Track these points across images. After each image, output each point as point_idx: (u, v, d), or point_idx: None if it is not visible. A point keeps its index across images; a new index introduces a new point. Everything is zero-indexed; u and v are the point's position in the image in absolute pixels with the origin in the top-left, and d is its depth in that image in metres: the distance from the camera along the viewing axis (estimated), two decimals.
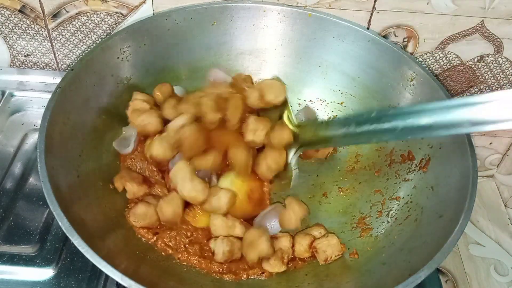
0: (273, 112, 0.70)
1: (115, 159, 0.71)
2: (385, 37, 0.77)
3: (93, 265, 0.51)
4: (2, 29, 0.80)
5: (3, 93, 0.82)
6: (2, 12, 0.78)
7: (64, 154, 0.62)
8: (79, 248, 0.51)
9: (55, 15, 0.78)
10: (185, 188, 0.62)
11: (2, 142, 0.77)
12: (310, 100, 0.81)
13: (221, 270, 0.63)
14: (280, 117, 0.69)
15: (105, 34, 0.80)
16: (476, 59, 0.79)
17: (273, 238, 0.65)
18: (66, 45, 0.82)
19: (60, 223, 0.52)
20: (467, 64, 0.80)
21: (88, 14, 0.78)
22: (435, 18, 0.74)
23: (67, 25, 0.79)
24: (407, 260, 0.59)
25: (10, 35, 0.81)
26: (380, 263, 0.62)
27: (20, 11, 0.78)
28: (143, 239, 0.64)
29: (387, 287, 0.54)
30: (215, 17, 0.76)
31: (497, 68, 0.80)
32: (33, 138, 0.78)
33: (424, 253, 0.57)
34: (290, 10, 0.76)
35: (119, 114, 0.73)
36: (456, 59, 0.79)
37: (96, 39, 0.81)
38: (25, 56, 0.84)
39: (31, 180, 0.72)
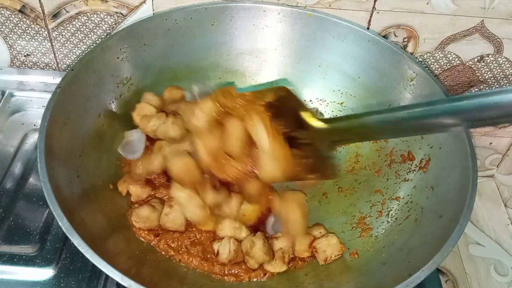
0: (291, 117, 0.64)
1: (115, 159, 0.71)
2: (385, 37, 0.77)
3: (93, 265, 0.51)
4: (2, 29, 0.80)
5: (3, 93, 0.82)
6: (2, 12, 0.78)
7: (64, 154, 0.62)
8: (79, 248, 0.51)
9: (55, 15, 0.78)
10: (186, 211, 0.63)
11: (2, 142, 0.77)
12: (310, 100, 0.81)
13: (222, 271, 0.63)
14: (300, 119, 0.63)
15: (105, 34, 0.80)
16: (476, 59, 0.79)
17: (273, 238, 0.65)
18: (66, 45, 0.82)
19: (60, 223, 0.52)
20: (467, 64, 0.80)
21: (88, 14, 0.78)
22: (435, 18, 0.74)
23: (67, 25, 0.79)
24: (407, 260, 0.59)
25: (10, 35, 0.81)
26: (380, 263, 0.62)
27: (20, 11, 0.78)
28: (144, 240, 0.64)
29: (387, 287, 0.54)
30: (215, 17, 0.76)
31: (497, 68, 0.80)
32: (33, 138, 0.78)
33: (424, 253, 0.57)
34: (290, 10, 0.76)
35: (119, 114, 0.73)
36: (456, 59, 0.79)
37: (96, 39, 0.81)
38: (25, 56, 0.84)
39: (31, 180, 0.72)
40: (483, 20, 0.74)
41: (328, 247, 0.64)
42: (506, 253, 0.84)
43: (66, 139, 0.63)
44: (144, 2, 0.76)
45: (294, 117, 0.62)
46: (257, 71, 0.82)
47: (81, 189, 0.62)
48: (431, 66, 0.80)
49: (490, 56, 0.78)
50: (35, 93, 0.83)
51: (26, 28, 0.80)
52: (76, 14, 0.78)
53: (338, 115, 0.80)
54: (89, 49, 0.81)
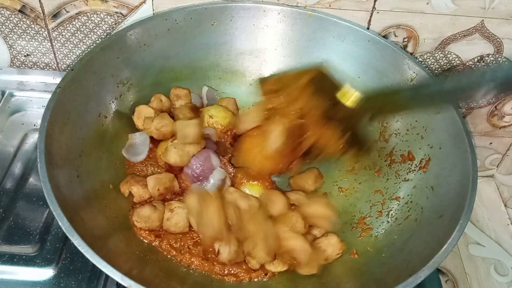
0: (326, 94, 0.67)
1: (115, 159, 0.71)
2: (385, 37, 0.77)
3: (93, 265, 0.51)
4: (2, 29, 0.80)
5: (3, 93, 0.82)
6: (2, 12, 0.78)
7: (64, 154, 0.62)
8: (79, 248, 0.51)
9: (55, 15, 0.78)
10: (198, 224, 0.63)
11: (2, 142, 0.77)
12: None
13: (222, 271, 0.63)
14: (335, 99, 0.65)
15: (105, 34, 0.80)
16: (476, 59, 0.79)
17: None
18: (66, 45, 0.82)
19: (60, 223, 0.52)
20: (467, 64, 0.80)
21: (88, 14, 0.78)
22: (435, 18, 0.74)
23: (67, 25, 0.79)
24: (407, 260, 0.59)
25: (10, 35, 0.81)
26: (380, 263, 0.62)
27: (20, 11, 0.78)
28: (144, 240, 0.64)
29: (387, 287, 0.54)
30: (215, 17, 0.76)
31: None
32: (33, 138, 0.78)
33: (424, 253, 0.57)
34: (290, 10, 0.76)
35: (119, 114, 0.73)
36: (456, 59, 0.79)
37: (96, 39, 0.81)
38: (25, 56, 0.84)
39: (31, 180, 0.72)
40: (483, 20, 0.74)
41: (329, 246, 0.64)
42: (506, 253, 0.84)
43: (66, 139, 0.63)
44: (144, 2, 0.76)
45: (330, 95, 0.66)
46: (257, 71, 0.82)
47: (81, 189, 0.62)
48: (431, 66, 0.80)
49: (490, 56, 0.78)
50: (35, 93, 0.83)
51: (26, 28, 0.80)
52: (76, 14, 0.78)
53: None
54: (89, 49, 0.81)
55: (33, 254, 0.64)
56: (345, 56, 0.77)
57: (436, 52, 0.78)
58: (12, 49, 0.83)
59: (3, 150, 0.76)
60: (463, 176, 0.61)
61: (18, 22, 0.79)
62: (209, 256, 0.64)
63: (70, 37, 0.81)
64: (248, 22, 0.77)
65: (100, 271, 0.54)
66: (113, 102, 0.73)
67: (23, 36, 0.81)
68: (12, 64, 0.86)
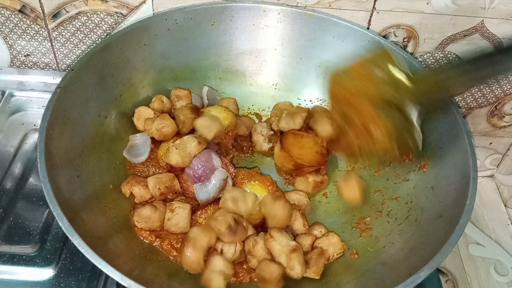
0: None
1: (115, 159, 0.71)
2: (385, 37, 0.77)
3: (93, 265, 0.51)
4: (2, 29, 0.80)
5: (3, 93, 0.82)
6: (2, 12, 0.78)
7: (64, 154, 0.62)
8: (79, 248, 0.51)
9: (55, 15, 0.78)
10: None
11: (2, 142, 0.77)
12: (310, 100, 0.81)
13: None
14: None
15: (105, 34, 0.80)
16: None
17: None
18: (66, 45, 0.82)
19: (60, 223, 0.52)
20: None
21: (88, 14, 0.78)
22: (435, 18, 0.74)
23: (67, 25, 0.79)
24: (407, 260, 0.59)
25: (10, 35, 0.81)
26: (380, 263, 0.62)
27: (20, 11, 0.78)
28: (145, 240, 0.64)
29: (387, 287, 0.54)
30: (215, 17, 0.76)
31: None
32: (33, 138, 0.78)
33: (424, 253, 0.57)
34: (290, 10, 0.76)
35: (119, 114, 0.73)
36: (456, 59, 0.79)
37: (96, 39, 0.81)
38: (25, 56, 0.84)
39: (31, 180, 0.72)
40: (483, 20, 0.74)
41: (330, 246, 0.64)
42: (506, 253, 0.84)
43: (66, 139, 0.63)
44: (144, 2, 0.76)
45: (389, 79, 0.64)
46: (257, 71, 0.82)
47: (81, 189, 0.62)
48: (431, 66, 0.80)
49: None
50: (35, 93, 0.83)
51: (26, 28, 0.80)
52: (76, 14, 0.78)
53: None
54: (89, 49, 0.81)
55: (33, 254, 0.64)
56: (345, 56, 0.77)
57: (436, 52, 0.78)
58: (12, 49, 0.83)
59: (3, 150, 0.76)
60: (463, 176, 0.61)
61: (18, 22, 0.79)
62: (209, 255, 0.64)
63: (70, 37, 0.81)
64: (248, 22, 0.77)
65: (100, 271, 0.55)
66: (113, 102, 0.73)
67: (23, 36, 0.81)
68: (12, 64, 0.86)
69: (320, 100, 0.81)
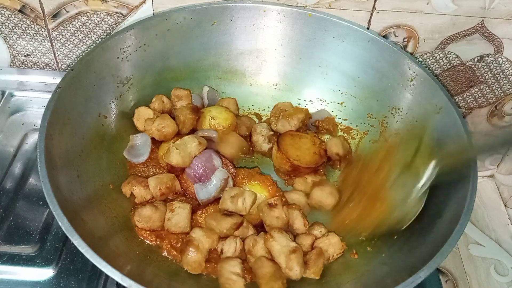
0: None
1: (115, 159, 0.71)
2: (385, 37, 0.77)
3: (93, 265, 0.51)
4: (2, 29, 0.80)
5: (3, 93, 0.82)
6: (2, 12, 0.78)
7: (64, 154, 0.62)
8: (79, 248, 0.51)
9: (55, 15, 0.78)
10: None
11: (2, 142, 0.77)
12: (310, 100, 0.81)
13: None
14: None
15: (105, 34, 0.80)
16: (476, 59, 0.79)
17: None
18: (66, 45, 0.82)
19: (60, 223, 0.52)
20: (467, 64, 0.80)
21: (88, 14, 0.78)
22: (435, 18, 0.74)
23: (67, 25, 0.79)
24: (407, 260, 0.59)
25: (10, 35, 0.81)
26: (380, 263, 0.62)
27: (20, 11, 0.78)
28: (146, 240, 0.64)
29: (387, 287, 0.54)
30: (215, 17, 0.76)
31: (497, 68, 0.80)
32: (33, 138, 0.78)
33: (424, 253, 0.57)
34: (290, 10, 0.76)
35: (119, 114, 0.73)
36: (456, 59, 0.79)
37: (96, 39, 0.81)
38: (25, 56, 0.84)
39: (31, 180, 0.72)
40: (483, 20, 0.74)
41: (330, 246, 0.64)
42: (506, 253, 0.84)
43: (66, 139, 0.63)
44: (144, 2, 0.76)
45: None
46: (257, 71, 0.82)
47: (81, 189, 0.62)
48: (431, 66, 0.80)
49: (490, 56, 0.78)
50: (35, 93, 0.83)
51: (26, 28, 0.80)
52: (76, 14, 0.78)
53: (338, 115, 0.80)
54: (89, 49, 0.81)
55: (33, 254, 0.64)
56: (345, 56, 0.77)
57: (436, 52, 0.78)
58: (12, 49, 0.83)
59: (3, 150, 0.76)
60: (463, 176, 0.61)
61: (18, 22, 0.79)
62: (210, 256, 0.64)
63: (70, 37, 0.81)
64: (248, 22, 0.77)
65: (100, 271, 0.54)
66: (113, 102, 0.73)
67: (23, 36, 0.81)
68: (12, 64, 0.86)
69: (320, 100, 0.81)
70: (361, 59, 0.76)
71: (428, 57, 0.79)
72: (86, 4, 0.76)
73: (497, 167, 0.95)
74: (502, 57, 0.78)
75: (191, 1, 0.75)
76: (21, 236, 0.66)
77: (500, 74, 0.80)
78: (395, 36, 0.77)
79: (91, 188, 0.64)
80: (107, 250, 0.57)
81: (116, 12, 0.77)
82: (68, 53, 0.83)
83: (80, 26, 0.79)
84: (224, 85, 0.82)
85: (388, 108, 0.75)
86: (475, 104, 0.85)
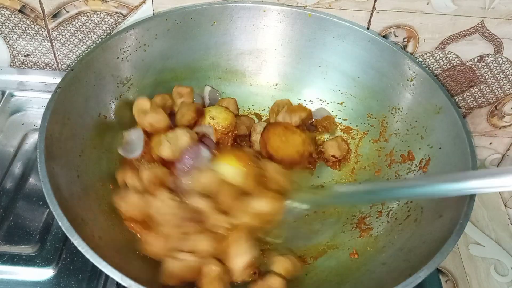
0: None
1: (115, 159, 0.71)
2: (385, 37, 0.77)
3: (93, 265, 0.51)
4: (2, 29, 0.80)
5: (3, 93, 0.82)
6: (2, 12, 0.78)
7: (64, 154, 0.62)
8: (79, 248, 0.51)
9: (55, 15, 0.78)
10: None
11: (2, 142, 0.77)
12: (310, 100, 0.81)
13: None
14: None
15: (105, 34, 0.80)
16: (476, 59, 0.79)
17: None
18: (66, 45, 0.82)
19: (60, 223, 0.52)
20: (467, 64, 0.80)
21: (88, 14, 0.78)
22: (435, 18, 0.74)
23: (67, 25, 0.79)
24: (407, 260, 0.59)
25: (10, 35, 0.81)
26: (380, 263, 0.62)
27: (20, 11, 0.78)
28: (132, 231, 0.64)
29: (387, 287, 0.54)
30: (215, 17, 0.76)
31: (497, 68, 0.80)
32: (33, 138, 0.78)
33: (424, 253, 0.57)
34: (290, 10, 0.76)
35: (119, 114, 0.73)
36: (456, 59, 0.79)
37: (96, 39, 0.81)
38: (25, 56, 0.84)
39: (31, 180, 0.72)
40: (483, 20, 0.74)
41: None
42: (506, 253, 0.84)
43: (66, 139, 0.63)
44: (144, 2, 0.76)
45: None
46: (257, 71, 0.82)
47: (81, 189, 0.62)
48: (431, 66, 0.80)
49: (490, 56, 0.78)
50: (35, 93, 0.83)
51: (26, 28, 0.80)
52: (76, 14, 0.78)
53: (338, 115, 0.80)
54: (89, 49, 0.81)
55: (33, 254, 0.64)
56: (345, 56, 0.77)
57: (436, 52, 0.78)
58: (12, 49, 0.83)
59: (3, 150, 0.76)
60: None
61: (18, 22, 0.79)
62: None
63: (70, 37, 0.81)
64: (248, 22, 0.77)
65: (100, 271, 0.55)
66: (113, 102, 0.73)
67: (23, 36, 0.81)
68: (12, 64, 0.86)
69: (320, 100, 0.81)
70: (361, 59, 0.76)
71: (428, 57, 0.79)
72: (86, 4, 0.76)
73: (497, 167, 0.95)
74: (502, 57, 0.78)
75: (191, 1, 0.75)
76: (21, 236, 0.66)
77: (500, 74, 0.80)
78: (395, 36, 0.77)
79: (91, 188, 0.64)
80: (107, 250, 0.56)
81: (116, 12, 0.77)
82: (68, 53, 0.83)
83: (80, 26, 0.79)
84: (224, 85, 0.82)
85: (388, 108, 0.75)
86: (475, 104, 0.85)
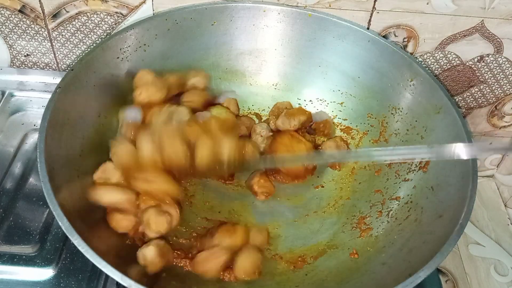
0: None
1: None
2: (385, 37, 0.77)
3: (93, 265, 0.51)
4: (2, 29, 0.80)
5: (3, 93, 0.82)
6: (2, 12, 0.78)
7: (64, 154, 0.62)
8: (79, 248, 0.51)
9: (55, 15, 0.78)
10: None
11: (2, 142, 0.77)
12: (310, 100, 0.81)
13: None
14: None
15: (105, 34, 0.80)
16: (476, 59, 0.79)
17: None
18: (66, 45, 0.82)
19: (60, 223, 0.52)
20: (467, 64, 0.80)
21: (88, 14, 0.78)
22: (435, 18, 0.74)
23: (67, 25, 0.79)
24: (407, 260, 0.59)
25: (10, 35, 0.81)
26: (380, 263, 0.62)
27: (20, 11, 0.78)
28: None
29: (387, 287, 0.54)
30: (215, 17, 0.76)
31: (497, 68, 0.80)
32: (33, 138, 0.78)
33: (424, 253, 0.57)
34: (290, 10, 0.76)
35: (119, 114, 0.73)
36: (456, 59, 0.79)
37: (96, 39, 0.81)
38: (25, 56, 0.84)
39: (31, 180, 0.72)
40: (483, 20, 0.74)
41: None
42: (506, 253, 0.84)
43: (66, 139, 0.63)
44: (144, 2, 0.76)
45: None
46: (257, 71, 0.82)
47: (81, 189, 0.62)
48: (431, 66, 0.80)
49: (490, 56, 0.78)
50: (35, 93, 0.82)
51: (26, 28, 0.80)
52: (76, 14, 0.78)
53: (338, 115, 0.80)
54: (89, 49, 0.81)
55: (33, 254, 0.64)
56: (345, 56, 0.77)
57: (436, 52, 0.78)
58: (12, 49, 0.83)
59: (3, 150, 0.76)
60: (463, 176, 0.61)
61: (18, 22, 0.79)
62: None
63: (70, 37, 0.81)
64: (248, 22, 0.77)
65: (100, 271, 0.55)
66: (113, 102, 0.73)
67: (23, 36, 0.81)
68: (12, 64, 0.86)
69: (320, 100, 0.81)
70: (361, 59, 0.76)
71: (428, 57, 0.79)
72: (86, 4, 0.76)
73: (497, 167, 0.95)
74: (502, 57, 0.78)
75: (191, 1, 0.75)
76: (21, 236, 0.66)
77: (500, 74, 0.80)
78: (395, 36, 0.77)
79: (91, 188, 0.64)
80: (107, 250, 0.56)
81: (116, 12, 0.77)
82: (68, 53, 0.83)
83: (80, 26, 0.79)
84: (224, 85, 0.82)
85: (388, 108, 0.75)
86: (475, 104, 0.85)
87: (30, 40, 0.82)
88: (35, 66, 0.86)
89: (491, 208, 0.91)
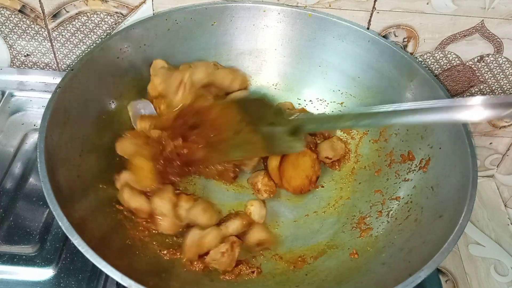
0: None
1: (116, 159, 0.71)
2: (385, 37, 0.77)
3: (93, 265, 0.51)
4: (2, 29, 0.80)
5: (3, 93, 0.82)
6: (2, 12, 0.78)
7: (64, 154, 0.62)
8: (79, 248, 0.51)
9: (55, 15, 0.78)
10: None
11: (2, 142, 0.77)
12: (310, 100, 0.81)
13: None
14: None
15: (105, 34, 0.80)
16: (476, 59, 0.79)
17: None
18: (66, 45, 0.82)
19: (60, 223, 0.52)
20: (467, 64, 0.80)
21: (88, 14, 0.78)
22: (435, 18, 0.74)
23: (67, 25, 0.79)
24: (407, 260, 0.59)
25: (10, 35, 0.81)
26: (380, 263, 0.62)
27: (20, 11, 0.78)
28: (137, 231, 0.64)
29: (387, 287, 0.54)
30: (215, 17, 0.76)
31: (497, 68, 0.80)
32: (33, 138, 0.78)
33: (424, 253, 0.57)
34: (290, 10, 0.76)
35: (119, 114, 0.73)
36: (456, 59, 0.79)
37: (96, 39, 0.81)
38: (25, 56, 0.84)
39: (31, 180, 0.72)
40: (483, 20, 0.74)
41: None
42: (506, 253, 0.84)
43: (66, 139, 0.63)
44: (144, 2, 0.76)
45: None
46: (257, 71, 0.82)
47: (81, 189, 0.62)
48: (431, 66, 0.80)
49: (490, 56, 0.78)
50: (35, 93, 0.83)
51: (26, 28, 0.80)
52: (76, 14, 0.78)
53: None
54: (89, 49, 0.81)
55: (33, 254, 0.64)
56: (345, 56, 0.77)
57: (436, 52, 0.78)
58: (12, 49, 0.83)
59: (3, 150, 0.76)
60: (463, 176, 0.61)
61: (18, 22, 0.79)
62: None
63: (70, 37, 0.81)
64: (248, 22, 0.77)
65: (100, 271, 0.55)
66: (113, 102, 0.73)
67: (23, 36, 0.81)
68: (12, 64, 0.86)
69: (320, 100, 0.81)
70: (361, 59, 0.76)
71: (428, 57, 0.79)
72: (86, 4, 0.76)
73: (497, 167, 0.95)
74: (502, 57, 0.78)
75: (191, 1, 0.75)
76: (21, 236, 0.66)
77: (500, 74, 0.80)
78: (395, 36, 0.77)
79: (91, 188, 0.64)
80: (107, 250, 0.56)
81: (116, 12, 0.77)
82: (68, 53, 0.83)
83: (80, 26, 0.79)
84: None
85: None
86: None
87: (30, 40, 0.82)
88: (35, 66, 0.86)
89: (491, 208, 0.91)
